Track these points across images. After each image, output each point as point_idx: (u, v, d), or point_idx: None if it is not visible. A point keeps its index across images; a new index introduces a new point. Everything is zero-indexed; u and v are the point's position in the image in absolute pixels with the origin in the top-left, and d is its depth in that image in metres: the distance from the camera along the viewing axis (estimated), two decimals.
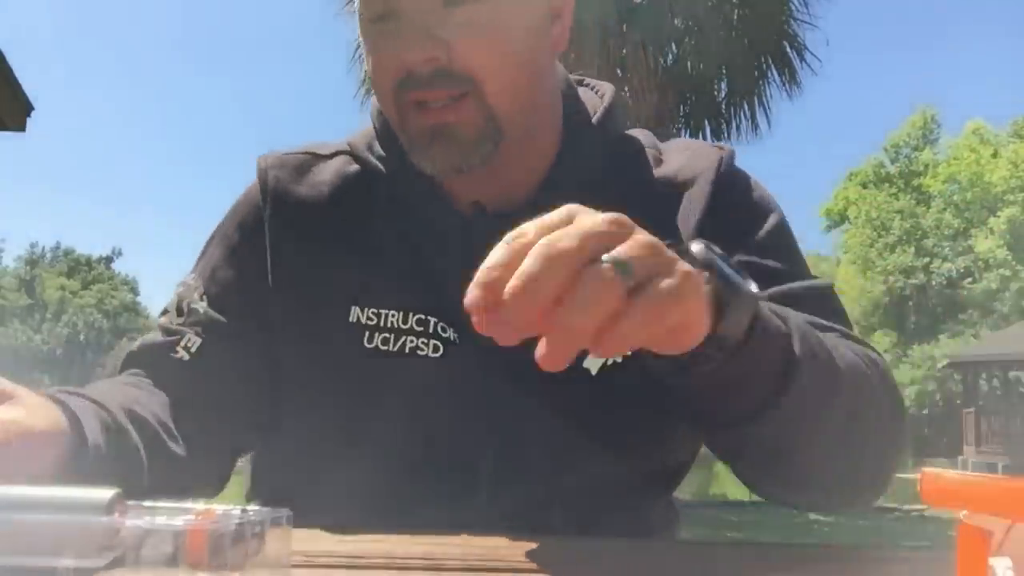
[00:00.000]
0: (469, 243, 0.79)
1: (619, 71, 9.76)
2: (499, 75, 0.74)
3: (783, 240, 0.84)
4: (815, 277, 0.84)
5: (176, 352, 0.79)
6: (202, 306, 0.82)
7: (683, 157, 0.86)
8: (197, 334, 0.80)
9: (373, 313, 0.79)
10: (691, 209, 0.81)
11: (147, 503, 0.38)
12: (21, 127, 6.71)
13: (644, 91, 9.56)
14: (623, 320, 0.45)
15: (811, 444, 0.64)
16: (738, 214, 0.83)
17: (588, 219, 0.48)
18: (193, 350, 0.79)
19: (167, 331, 0.82)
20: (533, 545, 0.58)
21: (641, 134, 0.90)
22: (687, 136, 10.81)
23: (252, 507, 0.39)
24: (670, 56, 10.63)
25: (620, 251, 0.46)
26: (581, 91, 0.90)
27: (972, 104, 66.77)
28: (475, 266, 0.78)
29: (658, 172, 0.85)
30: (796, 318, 0.63)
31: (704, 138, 10.80)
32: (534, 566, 0.56)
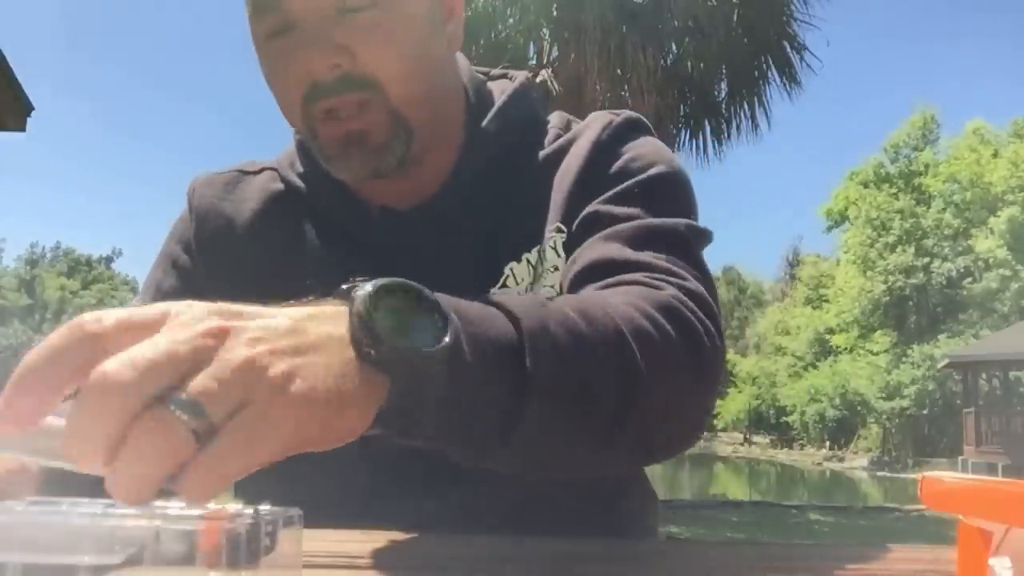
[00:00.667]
0: (379, 244, 0.83)
1: (619, 71, 9.75)
2: (400, 77, 0.75)
3: (654, 191, 0.79)
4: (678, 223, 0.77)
5: None
6: None
7: (578, 130, 0.87)
8: None
9: None
10: (567, 178, 0.82)
11: (159, 502, 0.38)
12: (21, 127, 6.71)
13: (644, 91, 9.54)
14: (189, 472, 0.37)
15: (578, 441, 0.56)
16: (605, 182, 0.80)
17: (165, 340, 0.38)
18: None
19: None
20: (535, 545, 0.58)
21: (554, 116, 0.91)
22: (687, 136, 10.82)
23: (264, 507, 0.39)
24: (670, 56, 10.63)
25: (193, 387, 0.37)
26: (498, 83, 0.92)
27: (972, 104, 66.92)
28: (386, 265, 0.81)
29: (553, 148, 0.86)
30: (538, 316, 0.53)
31: (704, 138, 10.81)
32: (535, 566, 0.56)
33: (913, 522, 10.84)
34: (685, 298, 0.65)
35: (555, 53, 10.12)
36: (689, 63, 10.70)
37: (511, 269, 0.81)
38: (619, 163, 0.81)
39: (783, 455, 34.03)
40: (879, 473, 25.30)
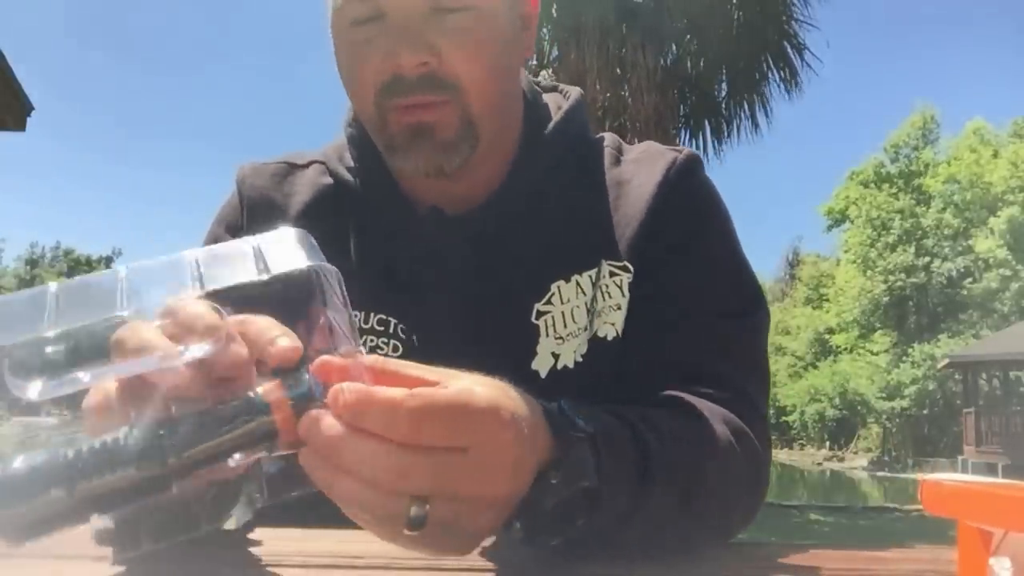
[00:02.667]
0: (426, 246, 0.82)
1: (619, 70, 9.75)
2: (481, 83, 0.75)
3: (716, 260, 0.82)
4: (751, 293, 0.82)
5: None
6: None
7: (636, 160, 0.87)
8: None
9: None
10: (631, 217, 0.82)
11: None
12: (21, 127, 6.72)
13: (644, 91, 9.55)
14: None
15: (655, 543, 0.62)
16: (675, 228, 0.81)
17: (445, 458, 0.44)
18: None
19: None
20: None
21: (608, 136, 0.91)
22: (687, 136, 10.81)
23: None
24: (670, 56, 10.63)
25: (431, 510, 0.44)
26: (551, 96, 0.92)
27: (972, 104, 66.92)
28: (434, 267, 0.81)
29: (611, 175, 0.85)
30: (662, 450, 0.59)
31: (704, 138, 10.82)
32: (533, 566, 0.56)
33: (913, 522, 10.84)
34: (758, 432, 0.73)
35: (555, 53, 10.13)
36: (689, 63, 10.71)
37: (558, 287, 0.80)
38: (689, 215, 0.82)
39: (783, 455, 33.99)
40: (879, 473, 25.28)
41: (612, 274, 0.80)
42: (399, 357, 0.78)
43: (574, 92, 0.92)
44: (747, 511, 0.72)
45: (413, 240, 0.82)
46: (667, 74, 10.10)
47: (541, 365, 0.78)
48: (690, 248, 0.81)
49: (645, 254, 0.80)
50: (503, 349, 0.77)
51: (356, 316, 0.80)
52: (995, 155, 29.78)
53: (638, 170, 0.85)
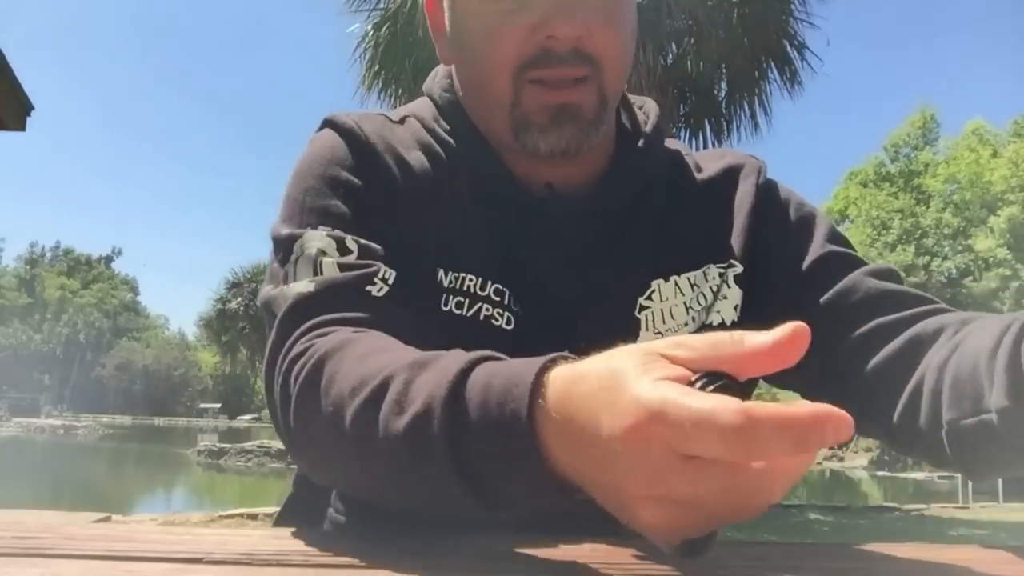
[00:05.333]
0: (542, 222, 0.82)
1: None
2: (616, 63, 0.77)
3: (836, 230, 0.89)
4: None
5: (374, 284, 0.71)
6: (367, 242, 0.74)
7: (722, 165, 0.90)
8: (386, 265, 0.72)
9: (455, 277, 0.78)
10: (737, 210, 0.85)
11: None
12: (21, 127, 6.72)
13: (643, 90, 9.53)
14: None
15: None
16: (790, 218, 0.87)
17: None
18: (391, 281, 0.72)
19: (349, 267, 0.72)
20: (533, 544, 0.58)
21: (677, 143, 0.93)
22: (687, 135, 10.81)
23: None
24: (670, 55, 10.63)
25: None
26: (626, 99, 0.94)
27: (972, 104, 66.96)
28: (546, 244, 0.81)
29: (700, 178, 0.88)
30: None
31: (704, 138, 10.82)
32: (534, 565, 0.56)
33: (913, 522, 10.85)
34: None
35: None
36: (689, 62, 10.70)
37: (658, 285, 0.81)
38: (796, 207, 0.89)
39: None
40: (879, 473, 25.30)
41: (720, 274, 0.83)
42: (511, 330, 0.78)
43: (651, 103, 0.94)
44: None
45: (528, 215, 0.81)
46: (667, 73, 10.10)
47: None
48: (818, 229, 0.87)
49: (753, 250, 0.84)
50: (607, 338, 0.75)
51: (472, 281, 0.77)
52: (995, 155, 29.78)
53: (731, 173, 0.89)
